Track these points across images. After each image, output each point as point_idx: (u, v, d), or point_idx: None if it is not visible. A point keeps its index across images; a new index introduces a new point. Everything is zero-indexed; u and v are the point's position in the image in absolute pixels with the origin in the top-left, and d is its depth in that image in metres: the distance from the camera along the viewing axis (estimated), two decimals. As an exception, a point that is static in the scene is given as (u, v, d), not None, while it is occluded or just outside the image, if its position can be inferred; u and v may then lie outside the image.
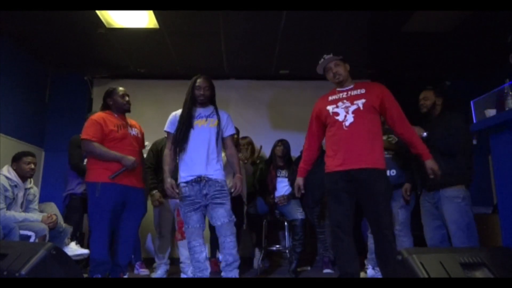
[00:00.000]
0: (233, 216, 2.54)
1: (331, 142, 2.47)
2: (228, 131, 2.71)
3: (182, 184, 2.54)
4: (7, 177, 3.00)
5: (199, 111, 2.68)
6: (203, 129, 2.60)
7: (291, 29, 3.77)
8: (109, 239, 2.70)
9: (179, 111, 2.67)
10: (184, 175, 2.55)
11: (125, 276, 2.83)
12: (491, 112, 2.12)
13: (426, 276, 1.47)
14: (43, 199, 3.91)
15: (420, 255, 1.55)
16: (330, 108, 2.47)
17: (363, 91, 2.45)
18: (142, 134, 3.03)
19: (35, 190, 3.24)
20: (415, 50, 4.27)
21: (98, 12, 3.44)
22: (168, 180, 2.53)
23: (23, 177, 3.12)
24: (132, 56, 4.43)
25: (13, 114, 4.09)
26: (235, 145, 3.52)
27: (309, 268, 3.96)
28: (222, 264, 2.54)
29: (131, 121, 2.96)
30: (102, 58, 4.48)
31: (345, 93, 2.49)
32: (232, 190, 2.60)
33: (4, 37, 3.89)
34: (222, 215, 2.48)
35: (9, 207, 2.96)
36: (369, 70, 4.86)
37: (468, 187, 2.79)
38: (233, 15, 3.52)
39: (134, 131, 2.89)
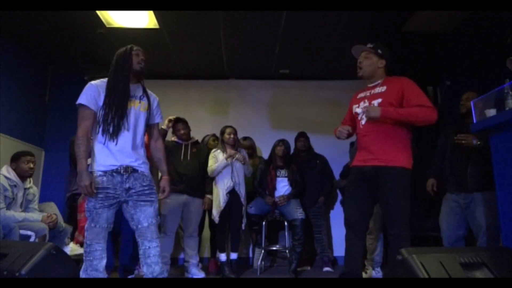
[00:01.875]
0: (158, 217, 2.23)
1: (357, 139, 2.50)
2: (157, 118, 2.36)
3: (98, 173, 2.09)
4: (6, 177, 3.00)
5: (132, 88, 2.21)
6: (135, 112, 2.20)
7: (291, 29, 3.77)
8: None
9: (99, 81, 2.18)
10: (104, 163, 2.10)
11: (131, 276, 2.83)
12: (491, 112, 2.12)
13: (426, 276, 1.47)
14: (43, 199, 3.91)
15: (420, 255, 1.56)
16: (354, 107, 2.48)
17: (383, 89, 2.37)
18: None
19: (34, 190, 3.24)
20: (415, 50, 4.27)
21: (98, 12, 3.44)
22: (86, 175, 2.01)
23: (23, 177, 3.12)
24: (132, 56, 4.43)
25: (13, 114, 4.09)
26: (234, 144, 3.55)
27: (309, 268, 3.96)
28: (147, 276, 2.15)
29: None
30: (102, 58, 4.47)
31: (368, 92, 2.44)
32: (160, 195, 2.31)
33: (4, 37, 3.89)
34: (150, 215, 2.14)
35: (8, 207, 2.96)
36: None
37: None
38: (233, 15, 3.52)
39: None
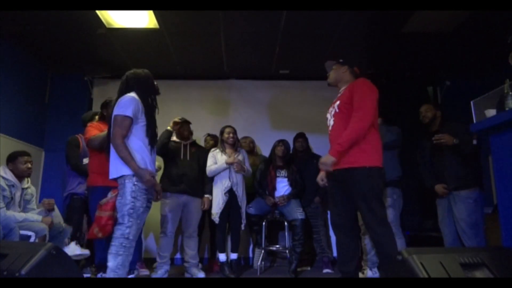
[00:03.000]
0: None
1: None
2: None
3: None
4: (3, 177, 2.99)
5: None
6: None
7: (291, 29, 3.77)
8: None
9: (136, 96, 2.41)
10: (151, 167, 2.40)
11: (132, 276, 2.85)
12: (491, 112, 2.12)
13: (426, 276, 1.47)
14: (43, 199, 3.91)
15: (420, 255, 1.55)
16: (327, 114, 2.61)
17: (342, 92, 2.54)
18: None
19: (32, 190, 3.24)
20: (415, 50, 4.27)
21: (98, 12, 3.44)
22: (145, 171, 2.29)
23: (20, 177, 3.11)
24: (132, 56, 4.43)
25: (13, 114, 4.09)
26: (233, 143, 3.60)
27: (309, 268, 3.96)
28: None
29: None
30: (102, 58, 4.48)
31: (336, 97, 2.60)
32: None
33: (4, 37, 3.89)
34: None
35: (7, 207, 2.96)
36: (369, 70, 4.86)
37: (482, 189, 3.01)
38: (233, 15, 3.52)
39: None
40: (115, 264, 2.20)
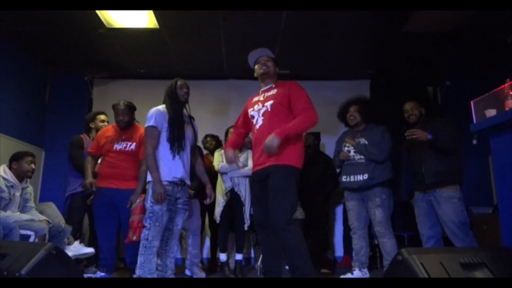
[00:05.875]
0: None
1: (252, 144, 2.57)
2: (197, 141, 2.82)
3: (165, 182, 2.48)
4: (3, 178, 2.99)
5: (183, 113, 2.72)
6: (187, 134, 2.65)
7: (291, 29, 3.77)
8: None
9: (160, 107, 2.63)
10: (170, 174, 2.50)
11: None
12: (491, 112, 2.12)
13: (426, 276, 1.47)
14: (42, 199, 3.91)
15: (420, 255, 1.55)
16: (250, 110, 2.56)
17: (275, 91, 2.47)
18: (138, 145, 3.03)
19: (30, 189, 3.24)
20: (415, 50, 4.27)
21: (98, 12, 3.44)
22: (161, 185, 2.43)
23: (22, 177, 3.11)
24: (132, 56, 4.43)
25: (13, 114, 4.09)
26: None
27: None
28: (167, 266, 2.56)
29: (132, 133, 3.07)
30: (102, 58, 4.48)
31: (262, 96, 2.53)
32: (208, 200, 2.71)
33: (4, 37, 3.89)
34: (182, 221, 2.62)
35: (6, 207, 2.95)
36: (369, 70, 4.86)
37: (460, 187, 2.89)
38: (233, 15, 3.52)
39: (123, 145, 3.01)
40: (139, 263, 2.39)
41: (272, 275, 2.32)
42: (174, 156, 2.51)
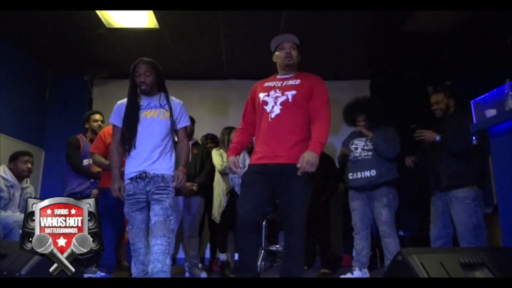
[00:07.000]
0: (170, 217, 2.31)
1: (257, 133, 2.32)
2: (181, 123, 2.49)
3: (126, 181, 2.34)
4: (3, 178, 2.99)
5: (147, 100, 2.43)
6: (152, 121, 2.37)
7: (291, 29, 3.76)
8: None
9: (125, 100, 2.45)
10: (128, 171, 2.34)
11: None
12: (491, 112, 2.12)
13: (426, 276, 1.47)
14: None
15: (420, 255, 1.55)
16: (263, 95, 2.31)
17: (298, 82, 2.28)
18: None
19: (31, 189, 3.25)
20: (415, 50, 4.27)
21: (98, 12, 3.44)
22: (117, 181, 2.32)
23: (20, 177, 3.11)
24: (132, 56, 4.40)
25: (13, 114, 4.08)
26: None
27: (305, 267, 3.95)
28: (149, 270, 2.25)
29: None
30: (102, 58, 4.48)
31: (280, 82, 2.31)
32: (174, 183, 2.38)
33: (4, 37, 3.89)
34: (157, 213, 2.26)
35: (6, 207, 2.96)
36: (369, 70, 4.86)
37: (481, 188, 2.79)
38: (233, 15, 3.52)
39: None
40: (132, 264, 2.37)
41: (250, 274, 2.15)
42: (129, 153, 2.36)
